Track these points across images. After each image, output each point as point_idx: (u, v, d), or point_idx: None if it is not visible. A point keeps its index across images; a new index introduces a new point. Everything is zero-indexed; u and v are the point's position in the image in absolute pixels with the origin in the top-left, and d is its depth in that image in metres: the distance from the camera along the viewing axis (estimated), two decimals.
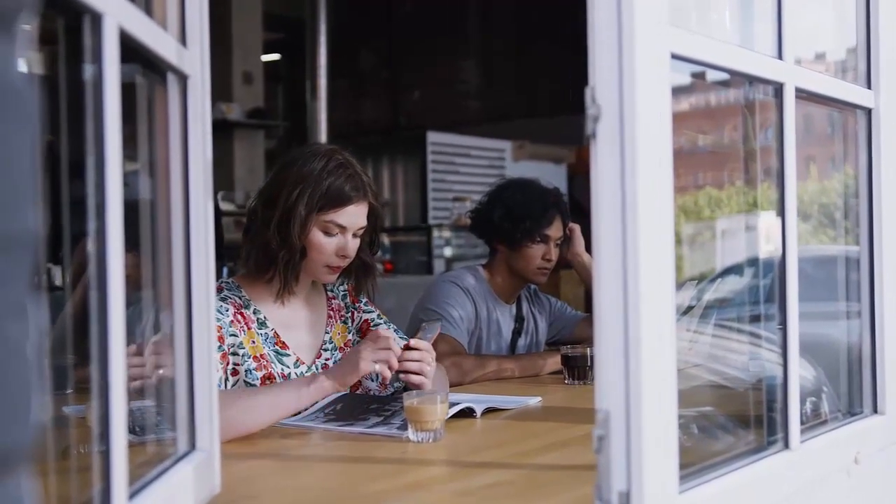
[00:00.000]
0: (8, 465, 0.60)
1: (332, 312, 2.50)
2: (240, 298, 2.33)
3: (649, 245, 1.23)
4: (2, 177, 0.59)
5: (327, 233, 2.31)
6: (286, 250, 2.29)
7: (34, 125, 0.63)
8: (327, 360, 2.43)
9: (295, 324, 2.41)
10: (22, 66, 0.63)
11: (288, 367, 2.33)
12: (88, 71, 1.06)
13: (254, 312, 2.33)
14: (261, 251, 2.32)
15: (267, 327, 2.34)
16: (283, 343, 2.35)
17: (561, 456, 1.88)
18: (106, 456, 1.05)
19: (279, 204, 2.28)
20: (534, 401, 2.45)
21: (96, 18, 1.04)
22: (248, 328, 2.30)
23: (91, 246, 1.05)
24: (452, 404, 2.11)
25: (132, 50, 1.17)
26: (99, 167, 1.05)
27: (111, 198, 1.05)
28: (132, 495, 1.13)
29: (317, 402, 2.17)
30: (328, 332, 2.47)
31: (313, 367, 2.38)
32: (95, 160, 1.05)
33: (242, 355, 2.25)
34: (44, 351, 0.63)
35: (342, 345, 2.48)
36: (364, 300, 2.58)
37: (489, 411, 2.27)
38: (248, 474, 1.75)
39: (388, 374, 2.15)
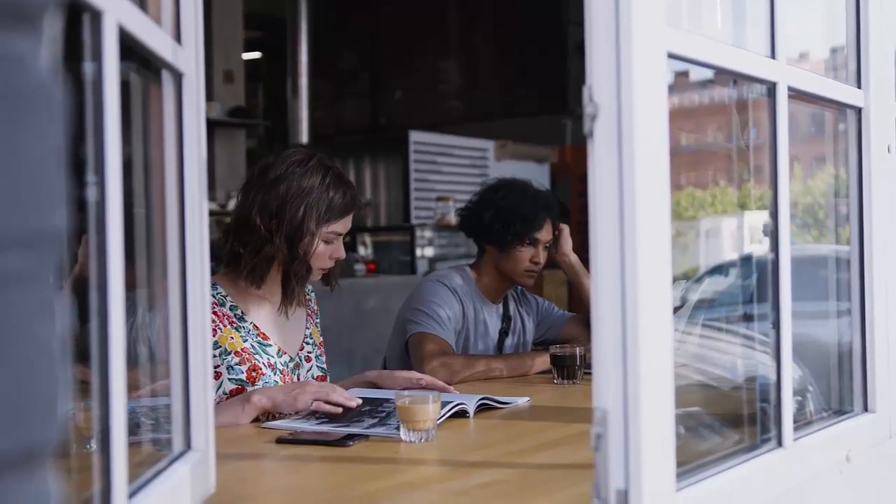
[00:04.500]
0: (36, 462, 0.60)
1: (309, 311, 2.59)
2: (215, 296, 2.35)
3: (647, 243, 1.23)
4: (31, 174, 0.59)
5: (327, 242, 2.40)
6: (298, 264, 2.37)
7: (62, 122, 0.63)
8: (309, 352, 2.53)
9: (275, 318, 2.47)
10: (49, 63, 0.63)
11: (272, 356, 2.40)
12: (87, 68, 1.05)
13: (230, 309, 2.39)
14: (265, 263, 2.37)
15: (246, 321, 2.39)
16: (265, 334, 2.41)
17: (554, 455, 1.88)
18: (106, 456, 1.04)
19: (285, 219, 2.33)
20: (523, 400, 2.45)
21: (96, 16, 1.03)
22: (224, 325, 2.35)
23: (91, 245, 1.04)
24: (444, 404, 2.12)
25: (128, 47, 1.16)
26: (99, 166, 1.04)
27: (111, 196, 1.04)
28: (131, 495, 1.12)
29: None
30: (308, 328, 2.56)
31: (297, 358, 2.47)
32: (95, 158, 1.04)
33: (220, 353, 2.30)
34: (68, 349, 0.63)
35: (319, 342, 2.59)
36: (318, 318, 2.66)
37: (482, 409, 2.28)
38: (243, 474, 1.74)
39: (326, 408, 2.17)
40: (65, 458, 1.21)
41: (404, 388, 2.40)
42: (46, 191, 0.60)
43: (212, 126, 7.93)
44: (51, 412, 0.61)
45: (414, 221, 8.12)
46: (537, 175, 7.97)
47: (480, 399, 2.30)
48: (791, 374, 1.61)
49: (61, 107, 0.63)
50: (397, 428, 1.99)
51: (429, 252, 7.81)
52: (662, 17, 1.28)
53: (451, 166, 8.52)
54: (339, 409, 2.18)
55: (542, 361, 2.94)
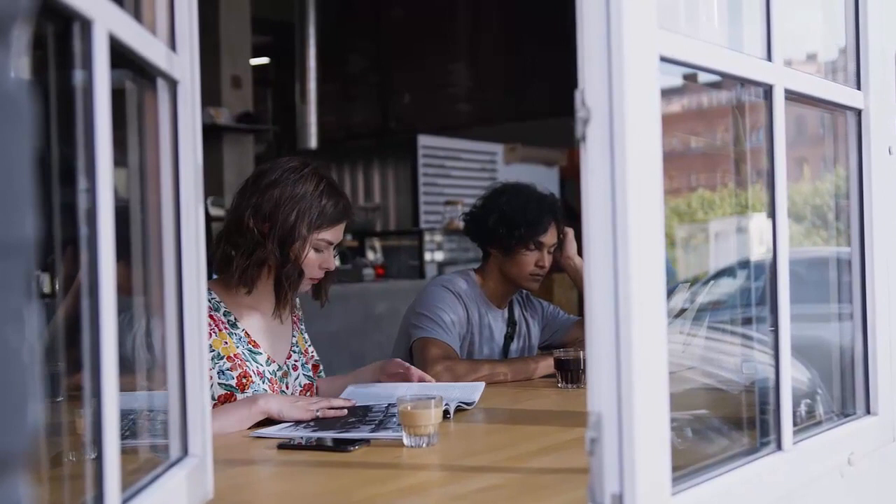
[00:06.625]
0: (5, 470, 0.61)
1: (295, 319, 2.62)
2: (210, 301, 2.37)
3: (640, 247, 1.23)
4: (0, 183, 0.59)
5: (317, 250, 2.43)
6: (290, 268, 2.39)
7: (30, 131, 0.64)
8: (296, 361, 2.55)
9: (264, 327, 2.49)
10: (18, 73, 0.64)
11: (261, 364, 2.43)
12: (78, 77, 1.06)
13: (224, 315, 2.41)
14: (256, 266, 2.39)
15: (238, 328, 2.42)
16: (255, 342, 2.44)
17: (554, 459, 1.87)
18: (99, 462, 1.04)
19: (277, 222, 2.36)
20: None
21: (86, 25, 1.04)
22: (220, 329, 2.38)
23: (82, 253, 1.04)
24: None
25: (121, 55, 1.17)
26: (90, 173, 1.05)
27: (102, 204, 1.05)
28: (125, 501, 1.13)
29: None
30: (294, 336, 2.58)
31: (285, 366, 2.50)
32: (86, 166, 1.05)
33: (213, 358, 2.33)
34: (39, 356, 0.64)
35: (304, 349, 2.61)
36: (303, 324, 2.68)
37: (458, 410, 2.33)
38: (240, 481, 1.74)
39: (332, 413, 2.25)
40: (58, 466, 1.22)
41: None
42: (16, 200, 0.61)
43: (220, 131, 7.94)
44: (20, 419, 0.61)
45: (423, 225, 8.12)
46: (547, 178, 7.97)
47: (458, 402, 2.35)
48: (790, 375, 1.60)
49: (31, 116, 0.64)
50: (397, 430, 1.99)
51: (438, 256, 7.81)
52: (654, 20, 1.28)
53: (460, 170, 8.52)
54: (345, 411, 2.26)
55: (546, 365, 2.93)
